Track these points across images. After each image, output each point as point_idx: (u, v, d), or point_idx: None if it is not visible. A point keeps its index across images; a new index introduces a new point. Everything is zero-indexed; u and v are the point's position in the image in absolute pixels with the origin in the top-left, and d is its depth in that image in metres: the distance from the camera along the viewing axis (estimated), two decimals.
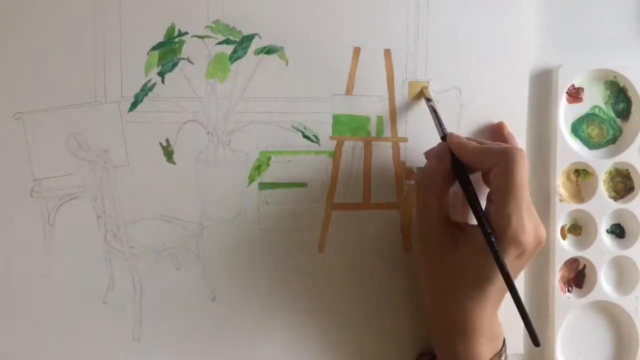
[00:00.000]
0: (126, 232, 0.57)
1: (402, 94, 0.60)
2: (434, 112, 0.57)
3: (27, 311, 0.57)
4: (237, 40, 0.57)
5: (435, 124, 0.57)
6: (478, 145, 0.53)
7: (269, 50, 0.58)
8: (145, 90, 0.56)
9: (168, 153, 0.57)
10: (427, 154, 0.56)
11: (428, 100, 0.59)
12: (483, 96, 0.61)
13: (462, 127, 0.61)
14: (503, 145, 0.53)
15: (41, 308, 0.57)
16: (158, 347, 0.58)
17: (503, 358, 0.55)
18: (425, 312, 0.58)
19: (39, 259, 0.56)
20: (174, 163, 0.58)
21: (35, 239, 0.56)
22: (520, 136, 0.61)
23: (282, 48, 0.58)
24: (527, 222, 0.49)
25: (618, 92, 0.63)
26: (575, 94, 0.63)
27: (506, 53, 0.61)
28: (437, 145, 0.56)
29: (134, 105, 0.57)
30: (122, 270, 0.57)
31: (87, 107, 0.56)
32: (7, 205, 0.56)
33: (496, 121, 0.60)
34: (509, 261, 0.48)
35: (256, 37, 0.58)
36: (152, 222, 0.58)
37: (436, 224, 0.53)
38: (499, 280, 0.48)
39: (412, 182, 0.60)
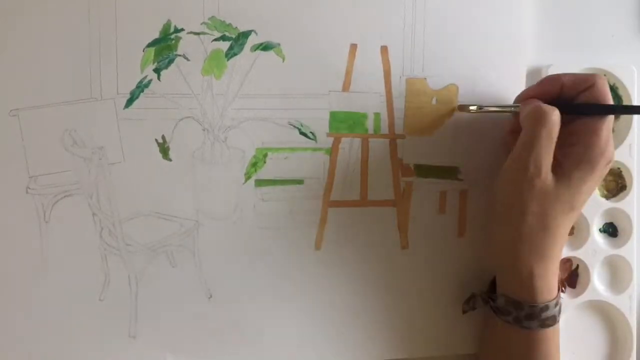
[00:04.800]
0: (122, 229, 0.57)
1: (399, 91, 0.60)
2: (488, 107, 0.58)
3: (23, 308, 0.56)
4: (234, 36, 0.57)
5: (503, 112, 0.58)
6: (571, 73, 0.56)
7: (265, 47, 0.58)
8: (141, 87, 0.56)
9: (164, 150, 0.57)
10: (525, 102, 0.56)
11: (472, 107, 0.59)
12: (481, 92, 0.61)
13: (462, 121, 0.61)
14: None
15: (37, 305, 0.56)
16: (154, 344, 0.58)
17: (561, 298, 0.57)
18: (501, 246, 0.57)
19: (35, 256, 0.56)
20: (170, 160, 0.57)
21: (31, 236, 0.56)
22: None
23: (279, 44, 0.58)
24: (605, 136, 0.54)
25: None
26: None
27: (504, 49, 0.61)
28: (529, 100, 0.56)
29: (129, 102, 0.56)
30: (118, 268, 0.57)
31: (82, 104, 0.55)
32: (3, 202, 0.55)
33: (496, 117, 0.60)
34: (601, 168, 0.54)
35: (252, 33, 0.57)
36: (148, 219, 0.57)
37: (548, 158, 0.53)
38: (581, 206, 0.55)
39: (409, 179, 0.60)
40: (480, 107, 0.58)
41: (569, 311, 0.63)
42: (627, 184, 0.63)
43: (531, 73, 0.62)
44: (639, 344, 0.63)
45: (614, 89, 0.63)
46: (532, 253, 0.54)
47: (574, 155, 0.54)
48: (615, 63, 0.63)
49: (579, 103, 0.55)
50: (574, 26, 0.63)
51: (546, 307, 0.54)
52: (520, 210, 0.54)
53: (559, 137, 0.53)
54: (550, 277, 0.55)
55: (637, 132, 0.62)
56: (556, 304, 0.55)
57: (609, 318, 0.64)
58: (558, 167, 0.54)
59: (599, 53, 0.64)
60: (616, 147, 0.62)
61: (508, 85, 0.61)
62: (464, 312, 0.61)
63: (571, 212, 0.54)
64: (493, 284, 0.59)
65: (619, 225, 0.64)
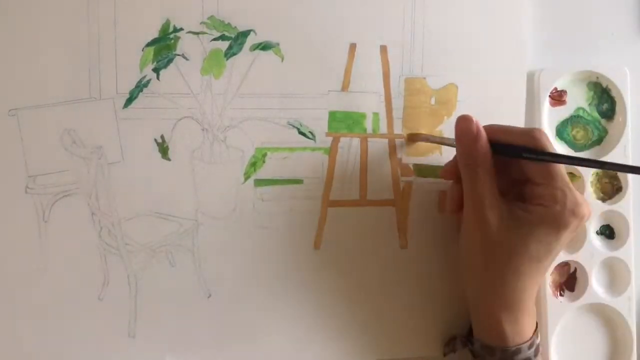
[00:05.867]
0: (121, 229, 0.57)
1: (398, 91, 0.60)
2: (436, 140, 0.59)
3: (22, 308, 0.56)
4: (233, 36, 0.57)
5: (446, 144, 0.58)
6: (511, 127, 0.54)
7: (264, 47, 0.58)
8: (140, 86, 0.56)
9: (163, 150, 0.57)
10: (460, 142, 0.54)
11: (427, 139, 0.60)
12: (481, 92, 0.61)
13: None
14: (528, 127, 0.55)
15: (36, 305, 0.56)
16: (153, 343, 0.58)
17: (537, 339, 0.56)
18: (470, 293, 0.57)
19: (34, 255, 0.56)
20: (169, 160, 0.57)
21: (30, 236, 0.56)
22: None
23: (278, 44, 0.58)
24: (577, 195, 0.51)
25: (601, 93, 0.63)
26: (558, 97, 0.63)
27: (504, 48, 0.61)
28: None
29: (128, 101, 0.56)
30: (117, 267, 0.57)
31: (81, 104, 0.55)
32: (2, 202, 0.55)
33: (495, 117, 0.60)
34: (570, 232, 0.51)
35: (252, 33, 0.57)
36: (147, 219, 0.57)
37: (494, 202, 0.52)
38: (552, 257, 0.52)
39: (409, 178, 0.60)
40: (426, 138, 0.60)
41: (568, 315, 0.62)
42: (623, 185, 0.63)
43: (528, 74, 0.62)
44: (639, 345, 0.63)
45: (606, 91, 0.63)
46: (496, 303, 0.53)
47: (537, 213, 0.51)
48: (608, 64, 0.62)
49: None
50: (568, 28, 0.63)
51: (518, 350, 0.53)
52: (476, 262, 0.53)
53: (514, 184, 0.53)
54: (521, 321, 0.53)
55: (631, 133, 0.62)
56: (530, 346, 0.54)
57: (608, 320, 0.64)
58: (516, 220, 0.51)
59: (594, 55, 0.63)
60: (611, 148, 0.62)
61: (509, 85, 0.61)
62: (445, 354, 0.61)
63: (538, 263, 0.52)
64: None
65: (616, 227, 0.63)
